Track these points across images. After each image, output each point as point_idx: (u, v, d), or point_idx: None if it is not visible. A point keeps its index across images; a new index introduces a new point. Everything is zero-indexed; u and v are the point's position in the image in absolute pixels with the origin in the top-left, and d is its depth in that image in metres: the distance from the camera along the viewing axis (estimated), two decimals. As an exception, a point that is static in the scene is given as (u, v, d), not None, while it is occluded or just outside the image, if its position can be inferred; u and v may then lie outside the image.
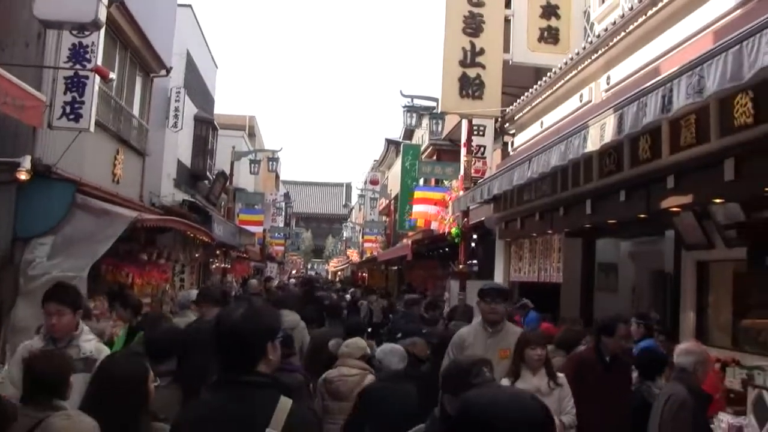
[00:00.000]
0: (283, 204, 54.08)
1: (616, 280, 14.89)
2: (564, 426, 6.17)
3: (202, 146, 26.06)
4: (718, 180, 6.82)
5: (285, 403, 3.11)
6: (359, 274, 55.06)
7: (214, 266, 27.75)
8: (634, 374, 7.60)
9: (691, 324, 10.65)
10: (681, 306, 10.93)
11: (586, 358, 6.98)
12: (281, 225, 52.04)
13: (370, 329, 12.79)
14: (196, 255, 22.99)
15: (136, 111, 16.36)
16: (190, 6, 24.75)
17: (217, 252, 27.46)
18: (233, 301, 10.88)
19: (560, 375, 6.32)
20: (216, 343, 3.19)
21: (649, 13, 9.44)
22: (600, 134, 7.37)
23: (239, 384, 3.11)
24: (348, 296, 26.01)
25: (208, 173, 27.13)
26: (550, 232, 12.59)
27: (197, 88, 25.71)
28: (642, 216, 9.19)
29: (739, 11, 7.30)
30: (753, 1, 7.01)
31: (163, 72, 17.73)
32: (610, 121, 7.12)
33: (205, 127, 26.38)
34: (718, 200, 8.08)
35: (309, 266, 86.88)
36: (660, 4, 9.14)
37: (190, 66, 24.30)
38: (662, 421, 5.54)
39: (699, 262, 10.71)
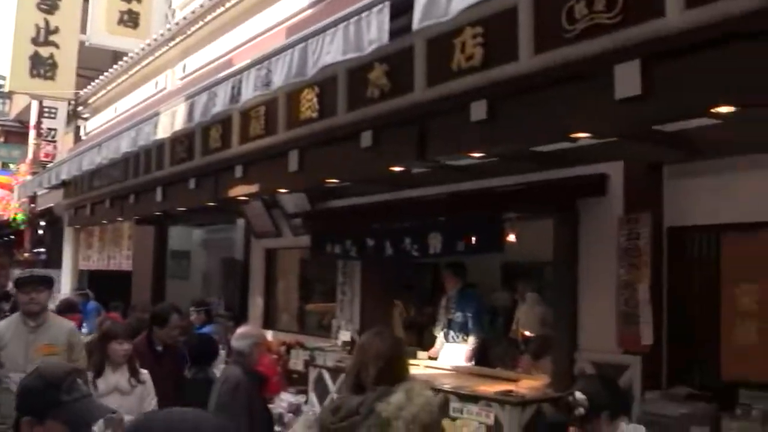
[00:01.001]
0: None
1: (188, 267, 15.02)
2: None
3: None
4: (283, 170, 7.05)
5: None
6: None
7: None
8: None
9: (260, 309, 11.06)
10: (250, 292, 11.30)
11: (137, 348, 6.79)
12: None
13: None
14: None
15: None
16: None
17: None
18: None
19: (143, 371, 6.05)
20: None
21: (228, 4, 9.63)
22: (171, 122, 7.37)
23: None
24: None
25: None
26: (120, 219, 12.32)
27: None
28: (211, 204, 9.27)
29: (310, 11, 7.68)
30: (323, 2, 7.42)
31: None
32: (181, 109, 7.13)
33: None
34: (282, 190, 8.44)
35: None
36: (239, -4, 9.36)
37: None
38: (219, 403, 5.64)
39: (268, 249, 11.13)
